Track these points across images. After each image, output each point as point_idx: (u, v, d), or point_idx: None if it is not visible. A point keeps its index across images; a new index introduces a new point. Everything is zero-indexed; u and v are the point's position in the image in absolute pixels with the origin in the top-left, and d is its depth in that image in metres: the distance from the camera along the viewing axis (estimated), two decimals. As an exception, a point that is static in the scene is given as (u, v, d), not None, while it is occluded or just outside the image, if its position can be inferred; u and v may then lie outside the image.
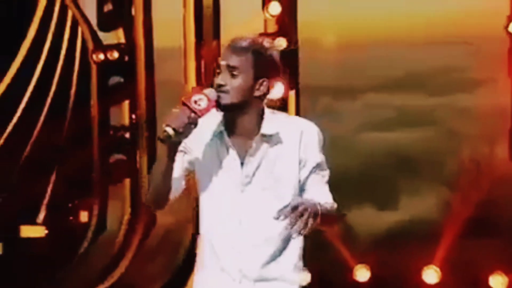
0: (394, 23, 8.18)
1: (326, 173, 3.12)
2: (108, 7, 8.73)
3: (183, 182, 3.10)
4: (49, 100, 10.05)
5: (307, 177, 3.06)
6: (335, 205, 3.10)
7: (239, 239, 3.03)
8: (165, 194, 3.04)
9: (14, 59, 10.11)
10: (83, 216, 9.54)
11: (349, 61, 8.27)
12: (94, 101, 9.12)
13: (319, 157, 3.10)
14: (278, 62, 3.08)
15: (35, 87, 10.09)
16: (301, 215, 2.81)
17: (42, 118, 9.94)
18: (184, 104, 2.97)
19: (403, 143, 8.16)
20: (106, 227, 9.16)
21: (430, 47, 8.00)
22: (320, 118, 8.32)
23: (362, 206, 8.07)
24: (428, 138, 8.11)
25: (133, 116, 8.87)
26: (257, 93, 3.04)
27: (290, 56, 8.15)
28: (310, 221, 2.81)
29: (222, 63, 3.02)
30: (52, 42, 10.06)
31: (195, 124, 2.96)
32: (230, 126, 3.05)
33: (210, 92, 3.00)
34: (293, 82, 8.26)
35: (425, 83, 8.15)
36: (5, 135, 9.97)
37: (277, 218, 2.84)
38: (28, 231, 9.68)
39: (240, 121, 3.04)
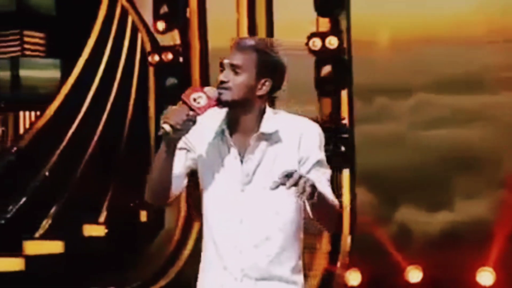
0: (452, 21, 7.93)
1: (327, 171, 3.03)
2: (164, 9, 8.68)
3: (185, 180, 3.04)
4: (110, 101, 10.07)
5: (308, 172, 2.95)
6: (336, 202, 2.99)
7: (240, 238, 2.97)
8: (164, 190, 2.99)
9: (77, 61, 10.18)
10: (143, 216, 9.52)
11: (403, 59, 8.05)
12: (151, 102, 9.08)
13: (320, 155, 3.01)
14: (282, 63, 3.02)
15: (97, 88, 10.13)
16: (297, 182, 2.75)
17: (103, 118, 9.96)
18: (183, 101, 2.91)
19: (457, 142, 7.90)
20: (164, 225, 9.11)
21: (488, 45, 7.74)
22: (373, 117, 8.30)
23: (415, 206, 7.85)
24: (484, 137, 7.84)
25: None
26: (259, 92, 2.98)
27: (342, 55, 7.97)
28: (308, 188, 2.74)
29: (226, 61, 2.98)
30: (113, 45, 10.09)
31: (194, 122, 2.89)
32: (232, 124, 3.00)
33: (210, 90, 2.94)
34: (346, 81, 8.06)
35: (481, 80, 7.88)
36: (68, 135, 10.03)
37: (274, 188, 2.78)
38: (90, 230, 9.72)
39: (241, 119, 2.98)
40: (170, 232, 8.96)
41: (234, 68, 2.95)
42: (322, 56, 7.87)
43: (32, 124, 10.20)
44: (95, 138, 9.95)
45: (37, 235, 9.75)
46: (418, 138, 8.03)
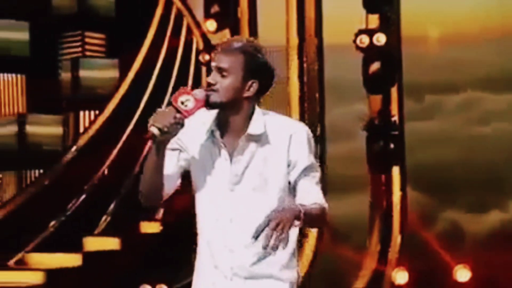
0: (502, 16, 7.64)
1: (316, 174, 3.00)
2: (214, 9, 8.60)
3: (178, 180, 3.05)
4: (166, 99, 10.04)
5: (297, 179, 2.97)
6: (325, 205, 2.97)
7: (230, 237, 2.98)
8: (156, 191, 3.00)
9: (135, 60, 10.18)
10: (197, 212, 9.43)
11: (453, 55, 7.79)
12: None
13: (309, 159, 2.99)
14: (269, 65, 3.00)
15: (154, 87, 10.10)
16: (274, 229, 2.74)
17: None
18: (171, 104, 2.91)
19: (510, 139, 7.60)
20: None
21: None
22: (423, 114, 8.07)
23: (465, 204, 7.59)
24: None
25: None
26: (246, 94, 2.97)
27: (392, 52, 7.75)
28: (285, 234, 2.74)
29: (213, 64, 2.97)
30: (169, 44, 10.05)
31: (182, 124, 2.90)
32: (222, 125, 3.00)
33: (198, 92, 2.94)
34: (395, 78, 7.84)
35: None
36: (126, 134, 10.02)
37: (255, 238, 2.78)
38: (147, 227, 9.70)
39: (231, 120, 2.98)
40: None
41: (221, 71, 2.95)
42: (370, 53, 7.67)
43: (91, 123, 10.23)
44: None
45: (96, 232, 9.78)
46: (469, 135, 7.77)
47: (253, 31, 8.72)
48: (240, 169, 2.97)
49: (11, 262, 9.43)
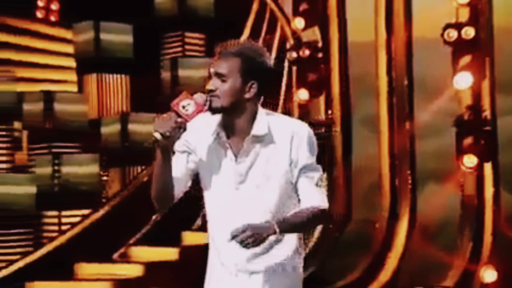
0: None
1: (315, 175, 3.01)
2: (303, 6, 8.39)
3: (189, 182, 3.09)
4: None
5: (297, 179, 3.02)
6: (323, 206, 3.00)
7: None
8: (166, 194, 3.03)
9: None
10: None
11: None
12: (296, 95, 8.80)
13: (309, 159, 3.01)
14: (267, 65, 3.01)
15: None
16: (247, 239, 2.86)
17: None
18: (172, 109, 2.94)
19: None
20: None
21: None
22: None
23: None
24: None
25: (329, 112, 8.44)
26: (247, 96, 2.99)
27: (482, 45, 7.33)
28: (255, 241, 2.84)
29: (212, 70, 3.00)
30: (263, 42, 9.90)
31: (184, 128, 2.93)
32: (227, 127, 3.03)
33: (199, 97, 2.97)
34: (485, 72, 7.41)
35: None
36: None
37: (231, 239, 2.87)
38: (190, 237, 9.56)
39: (235, 122, 3.01)
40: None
41: (220, 76, 2.96)
42: (458, 48, 7.28)
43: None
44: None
45: (194, 227, 9.75)
46: None
47: (342, 28, 8.47)
48: (244, 169, 2.99)
49: (115, 255, 9.52)
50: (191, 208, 9.61)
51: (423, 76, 7.83)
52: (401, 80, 7.97)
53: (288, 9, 8.82)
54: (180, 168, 3.04)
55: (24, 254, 9.59)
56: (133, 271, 9.02)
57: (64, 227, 9.89)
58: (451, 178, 7.60)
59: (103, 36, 10.80)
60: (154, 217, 9.63)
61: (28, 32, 11.35)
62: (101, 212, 9.73)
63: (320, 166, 3.02)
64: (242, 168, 3.00)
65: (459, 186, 7.52)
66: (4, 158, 10.42)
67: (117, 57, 10.96)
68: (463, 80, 7.27)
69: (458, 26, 7.31)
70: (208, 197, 3.07)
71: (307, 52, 8.24)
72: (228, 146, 3.01)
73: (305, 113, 8.66)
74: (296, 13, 8.45)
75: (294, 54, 8.37)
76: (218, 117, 3.01)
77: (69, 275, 9.02)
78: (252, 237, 2.82)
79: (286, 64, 9.37)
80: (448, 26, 7.31)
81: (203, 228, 9.67)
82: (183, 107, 2.93)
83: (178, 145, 3.02)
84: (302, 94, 8.52)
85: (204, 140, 3.04)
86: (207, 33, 11.01)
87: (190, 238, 9.45)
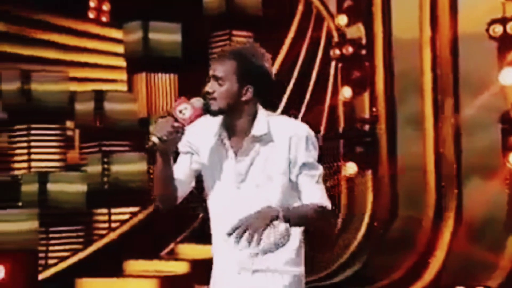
0: None
1: (316, 173, 3.04)
2: (347, 3, 8.33)
3: (192, 182, 3.13)
4: (308, 94, 9.85)
5: (297, 177, 3.04)
6: (324, 203, 3.02)
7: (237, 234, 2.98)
8: (169, 195, 3.07)
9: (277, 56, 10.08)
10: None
11: None
12: (340, 93, 8.75)
13: (308, 157, 3.04)
14: (264, 68, 3.01)
15: (294, 85, 9.95)
16: (245, 230, 2.86)
17: (300, 115, 9.76)
18: (169, 113, 3.00)
19: None
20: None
21: None
22: None
23: None
24: None
25: (373, 109, 8.36)
26: (244, 98, 3.02)
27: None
28: (257, 234, 2.84)
29: (210, 73, 3.02)
30: (310, 39, 9.86)
31: (182, 132, 2.99)
32: (228, 128, 3.08)
33: (196, 101, 3.00)
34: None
35: None
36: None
37: (229, 235, 2.88)
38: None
39: (235, 123, 3.06)
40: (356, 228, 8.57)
41: (217, 79, 3.00)
42: (503, 43, 7.14)
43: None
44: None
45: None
46: None
47: (387, 24, 8.38)
48: (244, 168, 3.04)
49: (163, 253, 9.60)
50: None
51: (468, 72, 7.71)
52: (446, 76, 7.86)
53: (333, 6, 8.75)
54: (184, 169, 3.10)
55: (75, 251, 9.72)
56: (180, 268, 9.08)
57: (113, 225, 10.00)
58: (497, 175, 7.47)
59: (152, 35, 10.88)
60: (201, 214, 9.67)
61: (80, 32, 11.50)
62: (150, 209, 9.81)
63: (320, 165, 3.03)
64: (242, 167, 3.04)
65: (505, 183, 7.38)
66: (57, 157, 10.57)
67: (166, 56, 11.03)
68: (509, 76, 7.14)
69: (504, 21, 7.18)
70: (211, 196, 3.11)
71: (350, 49, 8.18)
72: (228, 146, 3.06)
73: (349, 111, 8.60)
74: (340, 10, 8.40)
75: (338, 51, 8.30)
76: (220, 118, 3.06)
77: (118, 272, 9.11)
78: (251, 229, 2.83)
79: (333, 62, 9.34)
80: (493, 21, 7.19)
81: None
82: (180, 111, 2.97)
83: (182, 146, 3.09)
84: (346, 92, 8.47)
85: (206, 141, 3.09)
86: (254, 31, 10.99)
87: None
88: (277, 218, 2.87)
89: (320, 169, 3.03)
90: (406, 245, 7.94)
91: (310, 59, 9.81)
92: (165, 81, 11.19)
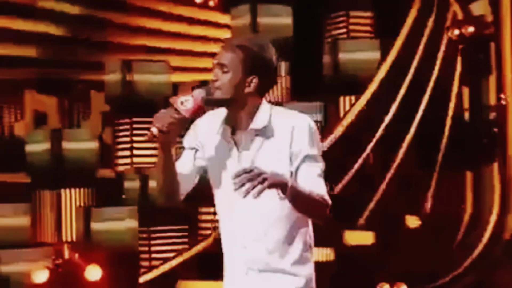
0: None
1: (319, 166, 3.02)
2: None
3: (196, 178, 3.12)
4: (432, 81, 9.01)
5: (297, 169, 3.02)
6: (325, 198, 2.97)
7: (242, 232, 3.05)
8: (171, 189, 3.07)
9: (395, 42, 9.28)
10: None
11: None
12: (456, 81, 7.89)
13: (310, 150, 3.02)
14: (270, 61, 3.00)
15: (416, 69, 9.11)
16: (251, 179, 2.83)
17: (423, 103, 8.94)
18: (170, 105, 2.97)
19: None
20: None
21: None
22: None
23: None
24: None
25: (502, 96, 7.45)
26: (247, 90, 3.02)
27: None
28: (259, 186, 2.83)
29: (214, 61, 3.03)
30: (435, 22, 8.98)
31: (183, 124, 2.98)
32: (231, 122, 3.07)
33: (198, 93, 2.99)
34: None
35: None
36: (387, 120, 9.15)
37: (234, 178, 2.85)
38: (410, 222, 8.86)
39: (237, 117, 3.05)
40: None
41: (222, 67, 3.01)
42: None
43: (351, 107, 9.44)
44: (414, 123, 8.97)
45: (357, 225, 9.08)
46: None
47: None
48: (247, 162, 3.01)
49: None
50: (351, 205, 9.01)
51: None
52: None
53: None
54: (187, 164, 3.10)
55: (179, 252, 9.31)
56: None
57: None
58: None
59: (261, 19, 10.27)
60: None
61: (185, 18, 11.08)
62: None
63: (322, 159, 2.98)
64: (244, 162, 3.02)
65: None
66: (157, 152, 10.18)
67: (276, 41, 10.38)
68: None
69: None
70: (217, 193, 3.10)
71: (470, 29, 7.27)
72: (231, 141, 3.06)
73: (475, 97, 7.73)
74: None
75: (457, 31, 7.42)
76: (224, 114, 3.05)
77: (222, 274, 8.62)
78: (256, 180, 2.79)
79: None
80: None
81: (366, 226, 9.01)
82: (182, 102, 2.95)
83: (186, 142, 3.11)
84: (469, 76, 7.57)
85: (211, 136, 3.09)
86: (375, 11, 10.19)
87: (351, 237, 8.80)
88: (285, 186, 2.86)
89: (322, 163, 3.01)
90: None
91: (434, 41, 8.95)
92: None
